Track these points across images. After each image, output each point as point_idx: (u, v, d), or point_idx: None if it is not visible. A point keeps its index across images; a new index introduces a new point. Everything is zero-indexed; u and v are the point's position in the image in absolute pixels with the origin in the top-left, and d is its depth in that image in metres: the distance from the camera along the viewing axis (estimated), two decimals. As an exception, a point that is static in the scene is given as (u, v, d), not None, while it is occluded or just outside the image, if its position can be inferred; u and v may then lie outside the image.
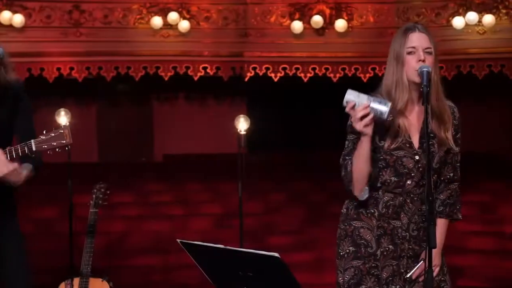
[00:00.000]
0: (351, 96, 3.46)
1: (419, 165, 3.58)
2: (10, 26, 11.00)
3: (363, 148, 3.51)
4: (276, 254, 3.20)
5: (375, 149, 3.58)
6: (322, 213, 10.04)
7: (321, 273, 8.28)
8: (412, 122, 3.62)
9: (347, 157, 3.61)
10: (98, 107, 13.81)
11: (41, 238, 8.89)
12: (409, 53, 3.58)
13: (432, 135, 3.58)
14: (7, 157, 4.02)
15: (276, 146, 13.38)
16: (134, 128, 13.93)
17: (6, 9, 10.99)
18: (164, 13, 11.39)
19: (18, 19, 10.99)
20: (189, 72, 11.61)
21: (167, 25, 11.43)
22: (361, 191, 3.60)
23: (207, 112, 13.91)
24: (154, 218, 9.95)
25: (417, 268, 3.63)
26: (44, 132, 4.02)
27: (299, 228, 9.73)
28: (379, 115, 3.44)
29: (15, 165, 4.06)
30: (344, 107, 3.47)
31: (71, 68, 11.35)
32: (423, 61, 3.53)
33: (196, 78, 11.68)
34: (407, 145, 3.59)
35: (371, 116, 3.43)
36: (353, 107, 3.44)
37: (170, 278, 8.48)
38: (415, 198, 3.61)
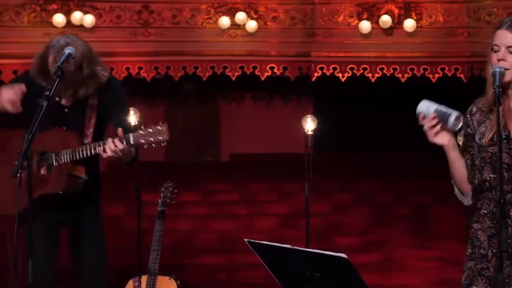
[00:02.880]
0: (421, 107, 3.50)
1: None
2: (81, 26, 11.18)
3: (450, 157, 3.54)
4: (344, 255, 3.18)
5: (477, 147, 3.55)
6: (389, 214, 9.97)
7: (388, 274, 8.22)
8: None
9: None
10: (166, 107, 13.93)
11: (109, 235, 8.97)
12: (493, 50, 3.54)
13: None
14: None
15: (343, 146, 13.31)
16: (201, 128, 14.01)
17: (77, 10, 11.16)
18: (231, 13, 11.43)
19: (88, 20, 11.16)
20: (256, 72, 11.63)
21: (234, 25, 11.47)
22: (467, 196, 3.61)
23: (273, 112, 13.91)
24: (219, 217, 10.00)
25: None
26: (143, 126, 4.10)
27: (366, 228, 9.67)
28: (445, 124, 3.44)
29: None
30: (409, 117, 3.49)
31: (140, 68, 11.47)
32: (503, 60, 3.48)
33: (263, 78, 11.69)
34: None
35: (439, 126, 3.43)
36: (423, 119, 3.47)
37: (235, 277, 8.51)
38: None
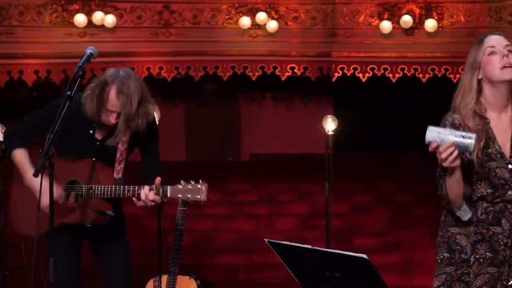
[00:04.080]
0: (433, 134, 3.35)
1: None
2: (102, 26, 11.22)
3: (455, 176, 3.43)
4: (364, 256, 3.18)
5: (468, 163, 3.47)
6: (409, 215, 9.93)
7: (409, 275, 8.20)
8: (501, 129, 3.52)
9: (442, 174, 3.51)
10: (186, 107, 13.96)
11: (130, 235, 9.01)
12: (490, 53, 3.46)
13: None
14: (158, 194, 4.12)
15: (363, 147, 13.28)
16: (221, 128, 14.03)
17: (98, 10, 11.21)
18: (252, 13, 11.44)
19: (109, 20, 11.20)
20: (277, 72, 11.63)
21: (255, 25, 11.48)
22: (459, 209, 3.52)
23: (293, 112, 13.90)
24: (239, 217, 10.00)
25: None
26: (182, 181, 4.03)
27: (386, 229, 9.64)
28: (465, 150, 3.34)
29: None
30: (427, 145, 3.39)
31: (160, 68, 11.51)
32: (507, 56, 3.44)
33: (283, 78, 11.69)
34: (498, 155, 3.48)
35: (456, 153, 3.33)
36: (437, 147, 3.35)
37: (255, 277, 8.51)
38: None
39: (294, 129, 13.52)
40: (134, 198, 4.20)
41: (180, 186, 4.04)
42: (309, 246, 3.36)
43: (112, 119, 4.27)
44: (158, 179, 4.16)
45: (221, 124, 13.99)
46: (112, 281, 4.61)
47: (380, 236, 9.40)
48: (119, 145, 4.38)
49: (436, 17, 11.31)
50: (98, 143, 4.43)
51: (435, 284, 3.61)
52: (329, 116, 7.53)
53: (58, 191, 4.20)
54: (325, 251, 3.39)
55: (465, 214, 3.52)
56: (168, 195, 4.07)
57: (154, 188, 4.15)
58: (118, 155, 4.38)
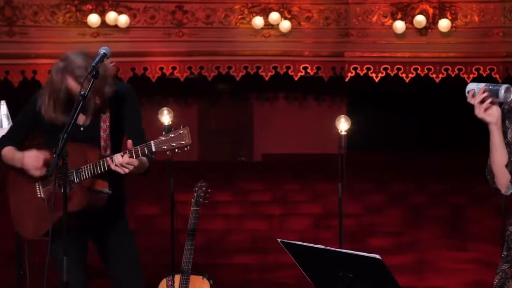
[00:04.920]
0: (471, 86, 3.49)
1: None
2: (116, 26, 11.25)
3: (494, 138, 3.44)
4: (378, 256, 3.17)
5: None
6: (423, 215, 9.90)
7: (422, 276, 8.16)
8: None
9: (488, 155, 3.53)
10: (199, 107, 13.98)
11: (143, 235, 9.03)
12: None
13: None
14: (132, 157, 4.11)
15: (376, 147, 13.26)
16: (234, 128, 14.03)
17: (111, 10, 11.24)
18: (265, 13, 11.45)
19: (123, 20, 11.22)
20: (290, 72, 11.63)
21: (268, 25, 11.48)
22: (505, 185, 3.50)
23: (306, 112, 13.90)
24: (252, 217, 10.00)
25: None
26: (163, 133, 4.04)
27: (399, 229, 9.61)
28: (496, 96, 3.41)
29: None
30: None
31: (174, 68, 11.52)
32: None
33: (296, 78, 11.68)
34: None
35: (489, 101, 3.39)
36: (473, 96, 3.44)
37: (268, 277, 8.50)
38: None
39: (307, 129, 13.51)
40: (110, 163, 4.16)
41: (163, 138, 4.01)
42: (322, 246, 3.35)
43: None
44: (129, 142, 4.14)
45: (234, 124, 13.99)
46: (121, 277, 4.59)
47: (393, 237, 9.37)
48: (101, 123, 4.38)
49: (449, 17, 11.28)
50: (82, 128, 4.41)
51: (495, 282, 3.61)
52: (342, 116, 7.49)
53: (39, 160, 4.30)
54: (338, 251, 3.38)
55: (508, 189, 3.52)
56: (153, 149, 4.04)
57: (127, 152, 4.11)
58: (102, 133, 4.37)
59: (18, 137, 4.51)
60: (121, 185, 4.51)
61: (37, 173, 4.33)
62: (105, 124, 4.37)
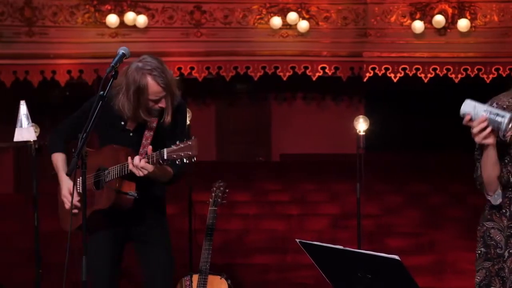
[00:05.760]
0: (468, 108, 3.32)
1: None
2: (134, 26, 11.28)
3: (489, 156, 3.40)
4: (396, 257, 3.16)
5: (501, 145, 3.43)
6: (441, 216, 9.87)
7: (441, 277, 8.14)
8: None
9: (478, 157, 3.49)
10: (217, 107, 14.00)
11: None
12: None
13: None
14: (149, 162, 4.21)
15: (394, 147, 13.23)
16: (252, 128, 14.05)
17: (130, 10, 11.27)
18: (283, 13, 11.44)
19: (141, 20, 11.25)
20: (308, 72, 11.61)
21: (286, 25, 11.47)
22: (493, 193, 3.48)
23: (324, 112, 13.89)
24: (271, 217, 10.00)
25: None
26: (177, 142, 4.11)
27: (418, 230, 9.59)
28: (497, 128, 3.30)
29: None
30: (462, 118, 3.36)
31: (192, 68, 11.54)
32: None
33: (314, 78, 11.67)
34: None
35: (489, 129, 3.30)
36: (470, 120, 3.33)
37: (286, 277, 8.50)
38: None
39: (325, 130, 13.50)
40: (131, 165, 4.26)
41: (174, 147, 4.10)
42: (341, 247, 3.35)
43: (162, 104, 4.40)
44: (149, 148, 4.25)
45: (252, 124, 14.01)
46: (150, 281, 4.66)
47: (412, 237, 9.34)
48: (145, 131, 4.48)
49: (469, 17, 11.22)
50: (131, 134, 4.52)
51: (477, 279, 3.61)
52: (361, 116, 7.47)
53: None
54: (356, 252, 3.37)
55: (498, 198, 3.49)
56: (165, 157, 4.12)
57: (146, 157, 4.23)
58: (143, 140, 4.46)
59: (69, 137, 4.61)
60: (154, 188, 4.56)
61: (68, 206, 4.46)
62: (149, 133, 4.48)
